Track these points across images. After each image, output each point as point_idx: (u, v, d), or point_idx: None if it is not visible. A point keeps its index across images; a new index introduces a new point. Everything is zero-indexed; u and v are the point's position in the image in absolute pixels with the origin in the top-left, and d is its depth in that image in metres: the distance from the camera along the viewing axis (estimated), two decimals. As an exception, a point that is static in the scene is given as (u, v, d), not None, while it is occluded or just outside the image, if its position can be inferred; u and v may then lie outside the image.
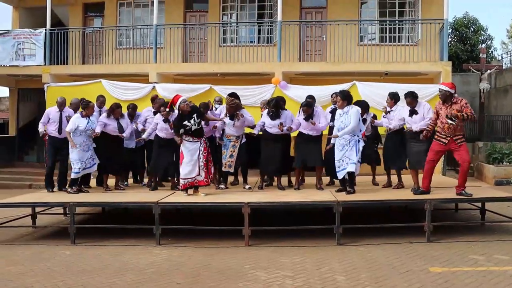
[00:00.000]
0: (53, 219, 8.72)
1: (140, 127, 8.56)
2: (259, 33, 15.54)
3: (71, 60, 15.56)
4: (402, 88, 9.26)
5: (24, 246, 7.06)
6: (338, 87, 9.64)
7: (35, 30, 14.85)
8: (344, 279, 5.19)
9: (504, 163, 14.27)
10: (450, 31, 20.83)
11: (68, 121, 8.10)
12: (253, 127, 8.03)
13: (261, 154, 8.02)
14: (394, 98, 7.96)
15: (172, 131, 7.63)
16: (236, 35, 15.42)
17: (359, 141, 7.21)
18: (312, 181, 8.31)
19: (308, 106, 7.72)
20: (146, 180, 9.05)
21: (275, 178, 8.33)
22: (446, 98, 6.82)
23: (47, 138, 8.72)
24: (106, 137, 8.08)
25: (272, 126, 7.80)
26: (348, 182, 7.37)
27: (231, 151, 8.02)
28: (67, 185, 8.28)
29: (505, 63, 22.09)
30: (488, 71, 17.07)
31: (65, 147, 8.10)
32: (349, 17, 14.47)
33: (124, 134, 8.21)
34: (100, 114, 8.43)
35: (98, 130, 7.95)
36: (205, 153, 7.43)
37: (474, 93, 18.04)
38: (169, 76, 14.50)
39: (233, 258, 6.15)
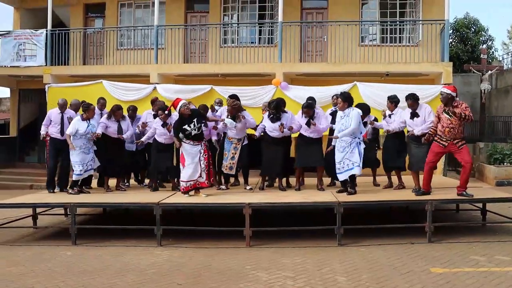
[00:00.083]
0: (54, 219, 8.72)
1: (140, 128, 8.55)
2: (260, 33, 15.54)
3: (72, 60, 15.57)
4: (402, 89, 9.31)
5: (25, 246, 7.06)
6: (339, 88, 9.68)
7: (36, 30, 14.86)
8: (345, 279, 5.19)
9: (505, 163, 14.25)
10: (451, 31, 20.82)
11: (69, 123, 8.10)
12: (254, 128, 8.04)
13: (263, 157, 8.02)
14: (394, 101, 7.94)
15: (171, 133, 7.67)
16: (237, 35, 15.42)
17: (359, 143, 7.21)
18: (313, 181, 8.30)
19: (309, 107, 7.71)
20: (147, 181, 9.06)
21: (276, 179, 8.32)
22: (448, 101, 6.83)
23: (48, 139, 8.74)
24: (107, 139, 8.09)
25: (273, 130, 7.80)
26: (349, 183, 7.37)
27: (232, 153, 8.02)
28: (68, 186, 8.29)
29: (506, 64, 22.05)
30: (489, 71, 17.06)
31: (66, 149, 8.10)
32: (350, 18, 14.46)
33: (124, 136, 8.20)
34: (101, 117, 8.43)
35: (99, 131, 7.95)
36: (205, 155, 7.44)
37: (475, 94, 18.03)
38: (170, 77, 14.50)
39: (234, 258, 6.15)
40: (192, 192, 7.48)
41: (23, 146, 17.19)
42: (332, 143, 7.58)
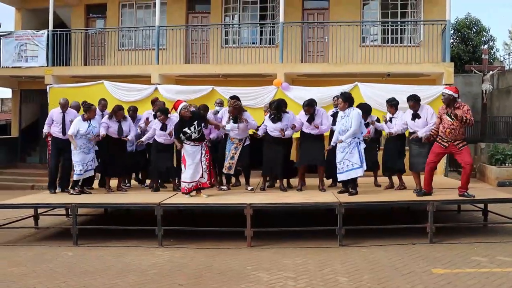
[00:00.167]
0: (55, 220, 8.72)
1: (142, 125, 8.56)
2: (261, 34, 15.56)
3: (73, 61, 15.59)
4: (404, 89, 9.30)
5: (27, 247, 7.07)
6: (340, 88, 9.67)
7: (38, 31, 14.87)
8: (347, 280, 5.19)
9: (507, 164, 14.22)
10: (452, 32, 20.78)
11: (71, 122, 8.12)
12: (256, 129, 8.03)
13: (264, 157, 8.02)
14: (393, 104, 7.91)
15: (170, 137, 7.73)
16: (238, 36, 15.44)
17: (359, 143, 7.21)
18: (314, 182, 8.30)
19: (310, 105, 7.72)
20: (148, 181, 9.06)
21: (278, 180, 8.32)
22: (450, 102, 6.82)
23: (49, 139, 8.75)
24: (108, 139, 8.10)
25: (274, 130, 7.81)
26: (350, 184, 7.37)
27: (232, 153, 8.01)
28: (70, 186, 8.30)
29: (507, 64, 22.04)
30: (491, 72, 17.03)
31: (68, 148, 8.11)
32: (351, 18, 14.48)
33: (129, 137, 8.22)
34: (102, 118, 8.44)
35: (103, 131, 7.97)
36: (206, 156, 7.46)
37: (476, 94, 18.00)
38: (171, 78, 14.52)
39: (235, 259, 6.15)
40: (193, 193, 7.49)
41: (24, 146, 17.22)
42: (332, 142, 7.58)
